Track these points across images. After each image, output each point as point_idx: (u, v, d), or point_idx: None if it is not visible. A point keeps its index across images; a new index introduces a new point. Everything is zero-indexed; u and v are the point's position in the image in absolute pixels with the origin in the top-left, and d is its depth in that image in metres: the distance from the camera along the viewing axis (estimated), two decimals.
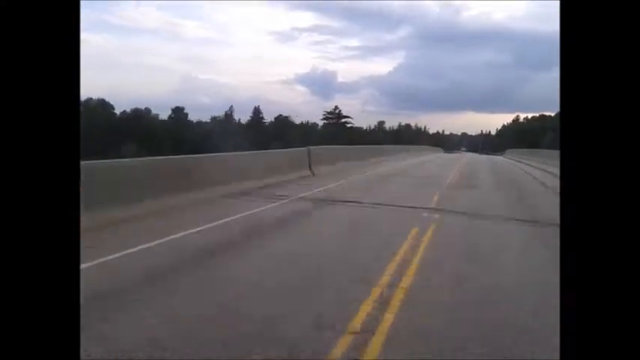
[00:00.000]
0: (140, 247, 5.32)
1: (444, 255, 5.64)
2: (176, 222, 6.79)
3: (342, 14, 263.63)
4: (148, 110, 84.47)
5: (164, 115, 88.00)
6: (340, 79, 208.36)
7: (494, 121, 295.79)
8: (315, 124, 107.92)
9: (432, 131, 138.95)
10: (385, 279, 4.51)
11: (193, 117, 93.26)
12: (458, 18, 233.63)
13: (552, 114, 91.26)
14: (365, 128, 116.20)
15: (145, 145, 61.64)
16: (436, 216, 8.18)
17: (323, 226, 7.30)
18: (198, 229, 6.41)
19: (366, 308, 3.74)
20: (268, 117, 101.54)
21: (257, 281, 4.35)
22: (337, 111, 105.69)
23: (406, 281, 4.47)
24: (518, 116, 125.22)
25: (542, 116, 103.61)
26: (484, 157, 53.78)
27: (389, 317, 3.57)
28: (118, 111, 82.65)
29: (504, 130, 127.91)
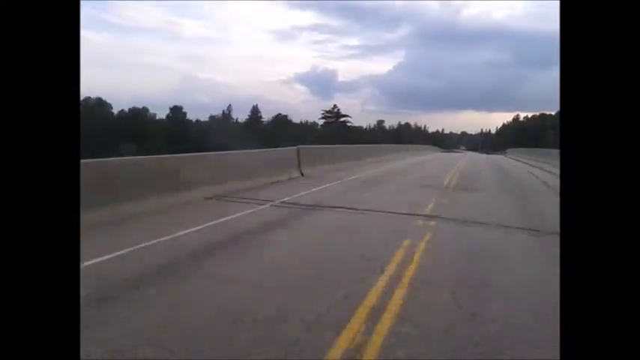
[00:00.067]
0: None
1: (436, 287, 4.26)
2: (125, 234, 5.81)
3: (342, 13, 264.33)
4: (145, 109, 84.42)
5: (162, 114, 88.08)
6: (340, 78, 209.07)
7: (494, 120, 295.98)
8: (314, 124, 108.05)
9: (431, 130, 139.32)
10: (357, 325, 3.33)
11: (192, 116, 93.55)
12: (458, 17, 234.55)
13: (552, 113, 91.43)
14: (365, 127, 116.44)
15: (142, 144, 61.57)
16: (431, 224, 7.22)
17: (295, 241, 6.00)
18: (143, 245, 5.27)
19: None
20: (268, 116, 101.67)
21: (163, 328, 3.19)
22: (336, 110, 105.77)
23: (382, 329, 3.29)
24: (518, 115, 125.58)
25: (543, 115, 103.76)
26: (484, 156, 53.47)
27: None
28: (115, 110, 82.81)
29: (504, 128, 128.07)
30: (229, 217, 7.22)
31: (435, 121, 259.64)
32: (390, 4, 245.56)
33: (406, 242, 5.90)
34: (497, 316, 3.65)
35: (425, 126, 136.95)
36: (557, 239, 6.00)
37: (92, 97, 77.55)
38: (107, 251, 4.88)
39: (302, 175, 14.02)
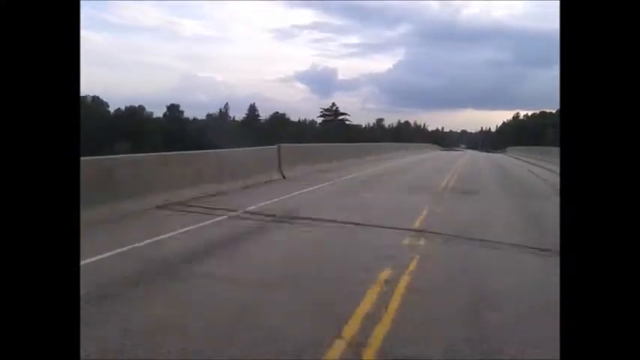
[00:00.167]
0: None
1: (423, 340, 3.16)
2: None
3: (342, 12, 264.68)
4: (142, 108, 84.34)
5: (160, 112, 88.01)
6: (340, 76, 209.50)
7: (494, 118, 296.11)
8: (313, 122, 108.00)
9: (431, 128, 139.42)
10: None
11: (191, 115, 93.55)
12: (458, 16, 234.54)
13: (553, 111, 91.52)
14: (364, 126, 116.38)
15: (139, 142, 61.50)
16: (420, 243, 5.86)
17: (222, 279, 4.28)
18: None
19: None
20: (267, 115, 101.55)
21: None
22: (334, 108, 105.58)
23: None
24: (518, 113, 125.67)
25: (543, 113, 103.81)
26: (484, 154, 53.34)
27: None
28: (112, 109, 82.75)
29: (504, 127, 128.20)
30: (162, 237, 5.78)
31: (435, 120, 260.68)
32: (390, 3, 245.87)
33: (383, 275, 4.45)
34: None
35: (425, 124, 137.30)
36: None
37: (89, 95, 77.52)
38: None
39: (283, 177, 12.92)
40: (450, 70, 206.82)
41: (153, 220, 6.90)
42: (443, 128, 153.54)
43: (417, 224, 7.14)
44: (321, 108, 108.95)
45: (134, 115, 79.48)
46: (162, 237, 5.77)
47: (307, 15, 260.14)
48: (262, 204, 8.46)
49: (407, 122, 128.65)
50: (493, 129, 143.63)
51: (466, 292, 4.18)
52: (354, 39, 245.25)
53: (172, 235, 5.91)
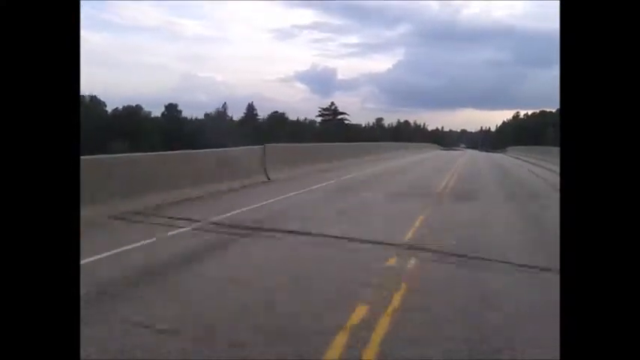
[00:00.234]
0: None
1: None
2: None
3: (342, 12, 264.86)
4: (139, 107, 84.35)
5: (158, 112, 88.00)
6: (340, 76, 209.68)
7: (494, 118, 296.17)
8: (313, 122, 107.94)
9: (431, 128, 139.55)
10: None
11: (190, 114, 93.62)
12: (457, 15, 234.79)
13: (553, 110, 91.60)
14: (364, 125, 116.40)
15: (137, 142, 61.53)
16: (410, 265, 4.90)
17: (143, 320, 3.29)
18: None
19: None
20: (267, 114, 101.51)
21: None
22: (333, 107, 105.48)
23: None
24: (518, 113, 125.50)
25: (543, 112, 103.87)
26: (484, 154, 53.17)
27: None
28: (110, 108, 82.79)
29: (504, 126, 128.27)
30: (95, 257, 4.70)
31: (435, 119, 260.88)
32: (390, 3, 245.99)
33: (355, 317, 3.45)
34: None
35: (424, 124, 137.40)
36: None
37: (87, 95, 77.50)
38: None
39: (268, 179, 12.12)
40: (449, 70, 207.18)
41: (93, 235, 5.52)
42: (443, 128, 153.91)
43: (409, 236, 6.27)
44: (319, 107, 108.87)
45: (131, 114, 79.46)
46: (100, 256, 4.79)
47: (307, 15, 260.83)
48: (233, 212, 7.53)
49: (407, 122, 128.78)
50: (493, 128, 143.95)
51: (465, 347, 3.07)
52: (354, 39, 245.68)
53: (95, 260, 4.64)
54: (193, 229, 6.32)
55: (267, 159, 12.49)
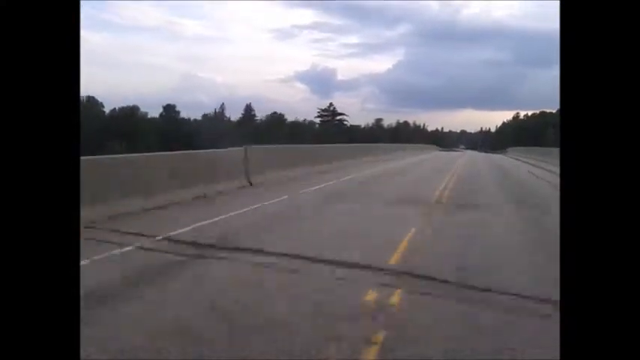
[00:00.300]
0: None
1: None
2: None
3: (342, 12, 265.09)
4: (136, 108, 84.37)
5: (156, 113, 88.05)
6: (340, 76, 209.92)
7: (494, 119, 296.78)
8: (312, 122, 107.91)
9: (430, 128, 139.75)
10: None
11: (191, 115, 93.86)
12: (457, 15, 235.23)
13: (553, 111, 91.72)
14: (363, 126, 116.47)
15: (134, 143, 61.56)
16: (391, 302, 3.90)
17: None
18: None
19: None
20: (267, 115, 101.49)
21: None
22: (331, 108, 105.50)
23: None
24: (518, 113, 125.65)
25: (543, 113, 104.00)
26: (484, 155, 52.86)
27: None
28: (107, 109, 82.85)
29: (504, 127, 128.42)
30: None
31: (435, 120, 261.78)
32: (390, 3, 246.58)
33: None
34: None
35: (424, 124, 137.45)
36: None
37: (84, 95, 77.51)
38: None
39: (250, 184, 11.34)
40: (449, 70, 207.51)
41: None
42: (442, 128, 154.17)
43: (395, 257, 5.20)
44: (318, 108, 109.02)
45: (129, 115, 79.52)
46: None
47: (307, 15, 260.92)
48: (195, 225, 6.63)
49: (406, 122, 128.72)
50: (493, 129, 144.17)
51: None
52: (354, 39, 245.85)
53: None
54: (139, 248, 5.44)
55: (250, 162, 11.67)
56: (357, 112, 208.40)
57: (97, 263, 4.81)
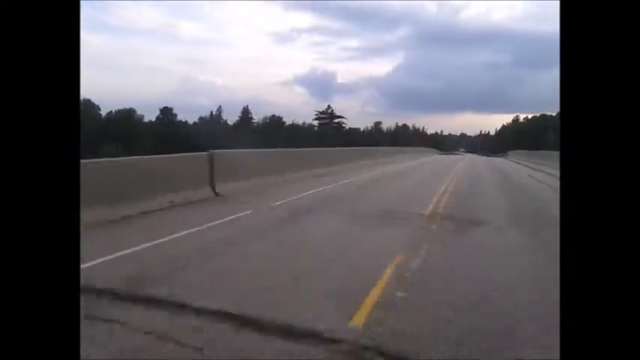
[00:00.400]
0: None
1: None
2: None
3: (341, 15, 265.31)
4: (132, 111, 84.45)
5: (153, 116, 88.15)
6: (340, 80, 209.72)
7: (494, 122, 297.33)
8: (311, 125, 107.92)
9: (430, 132, 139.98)
10: None
11: (189, 118, 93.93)
12: (456, 18, 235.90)
13: (553, 114, 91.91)
14: (362, 129, 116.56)
15: (130, 145, 61.61)
16: None
17: None
18: None
19: None
20: (266, 118, 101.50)
21: None
22: (329, 110, 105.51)
23: None
24: (517, 116, 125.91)
25: (543, 115, 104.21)
26: (484, 159, 52.51)
27: None
28: (104, 112, 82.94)
29: (504, 130, 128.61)
30: None
31: (434, 123, 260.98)
32: (389, 5, 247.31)
33: None
34: None
35: (423, 127, 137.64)
36: None
37: (82, 98, 77.51)
38: None
39: (215, 194, 9.99)
40: (448, 73, 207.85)
41: None
42: (442, 131, 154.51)
43: (360, 316, 3.65)
44: (316, 111, 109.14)
45: (125, 118, 79.60)
46: None
47: (306, 18, 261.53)
48: (106, 258, 4.96)
49: (405, 125, 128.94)
50: (492, 132, 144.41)
51: None
52: (354, 42, 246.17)
53: None
54: None
55: (217, 169, 10.29)
56: (356, 116, 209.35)
57: None
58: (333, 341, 3.18)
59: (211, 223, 7.13)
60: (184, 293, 3.98)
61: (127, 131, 72.29)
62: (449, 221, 8.09)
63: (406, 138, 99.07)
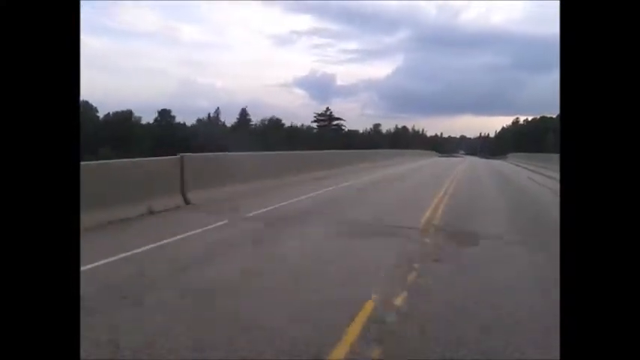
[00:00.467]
0: None
1: None
2: None
3: (341, 17, 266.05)
4: (130, 112, 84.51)
5: (151, 118, 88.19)
6: (339, 82, 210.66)
7: (493, 124, 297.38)
8: (310, 127, 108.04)
9: (430, 134, 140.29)
10: None
11: (187, 120, 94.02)
12: (456, 21, 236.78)
13: (553, 116, 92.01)
14: (361, 131, 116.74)
15: (126, 148, 61.62)
16: None
17: None
18: None
19: None
20: (265, 120, 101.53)
21: None
22: (328, 112, 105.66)
23: None
24: (517, 118, 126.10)
25: (543, 118, 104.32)
26: (484, 161, 52.15)
27: None
28: (101, 114, 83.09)
29: (504, 132, 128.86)
30: None
31: (434, 125, 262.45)
32: (389, 7, 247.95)
33: None
34: None
35: (423, 130, 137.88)
36: None
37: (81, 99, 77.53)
38: None
39: (186, 202, 8.91)
40: (448, 76, 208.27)
41: None
42: (442, 134, 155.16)
43: None
44: (314, 113, 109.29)
45: (122, 120, 79.67)
46: None
47: (306, 20, 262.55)
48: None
49: (405, 127, 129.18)
50: (492, 134, 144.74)
51: None
52: (353, 45, 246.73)
53: None
54: None
55: (189, 175, 9.15)
56: (356, 118, 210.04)
57: None
58: None
59: (165, 241, 6.04)
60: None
61: (125, 133, 72.34)
62: (444, 232, 7.25)
63: (406, 140, 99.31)
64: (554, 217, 8.53)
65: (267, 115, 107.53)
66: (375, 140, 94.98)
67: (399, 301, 4.05)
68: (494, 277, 5.02)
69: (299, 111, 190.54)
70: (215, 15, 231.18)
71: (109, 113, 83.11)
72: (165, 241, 6.04)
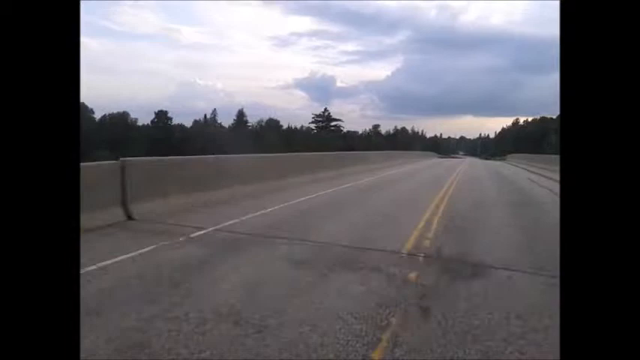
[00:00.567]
0: None
1: None
2: None
3: (341, 19, 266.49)
4: (126, 114, 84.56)
5: (147, 119, 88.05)
6: (339, 83, 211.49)
7: (493, 125, 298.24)
8: (309, 129, 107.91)
9: (429, 135, 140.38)
10: None
11: (185, 122, 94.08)
12: (455, 22, 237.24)
13: (553, 116, 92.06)
14: (360, 132, 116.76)
15: (123, 150, 61.50)
16: None
17: None
18: None
19: None
20: (262, 121, 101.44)
21: None
22: (326, 113, 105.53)
23: None
24: (517, 119, 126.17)
25: (543, 118, 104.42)
26: (484, 163, 51.56)
27: None
28: (98, 115, 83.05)
29: (504, 133, 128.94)
30: None
31: (434, 126, 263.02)
32: (389, 9, 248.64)
33: None
34: None
35: (422, 131, 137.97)
36: None
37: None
38: None
39: (129, 217, 7.25)
40: (448, 77, 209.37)
41: None
42: (441, 135, 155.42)
43: None
44: (312, 114, 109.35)
45: (119, 122, 79.59)
46: None
47: (305, 22, 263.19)
48: None
49: (404, 128, 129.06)
50: (492, 135, 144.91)
51: None
52: (353, 46, 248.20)
53: None
54: None
55: (132, 183, 7.52)
56: (356, 119, 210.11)
57: None
58: None
59: (104, 263, 4.73)
60: None
61: (121, 135, 72.23)
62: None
63: (405, 141, 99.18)
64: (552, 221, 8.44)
65: (268, 116, 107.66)
66: (373, 141, 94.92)
67: None
68: None
69: (299, 112, 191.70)
70: (214, 16, 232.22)
71: (105, 115, 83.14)
72: (128, 255, 5.05)
